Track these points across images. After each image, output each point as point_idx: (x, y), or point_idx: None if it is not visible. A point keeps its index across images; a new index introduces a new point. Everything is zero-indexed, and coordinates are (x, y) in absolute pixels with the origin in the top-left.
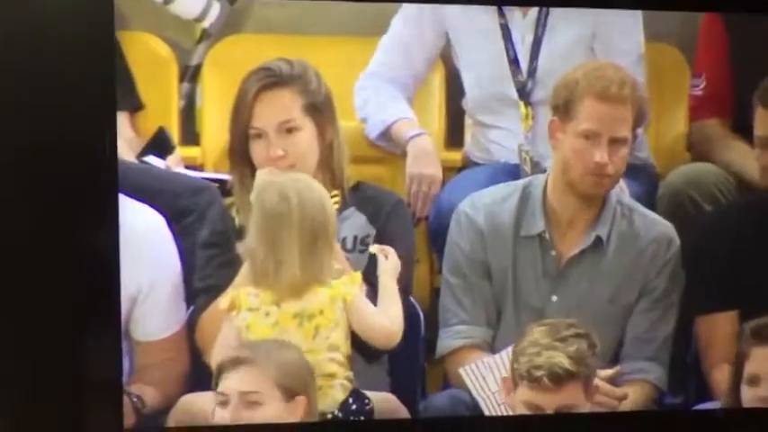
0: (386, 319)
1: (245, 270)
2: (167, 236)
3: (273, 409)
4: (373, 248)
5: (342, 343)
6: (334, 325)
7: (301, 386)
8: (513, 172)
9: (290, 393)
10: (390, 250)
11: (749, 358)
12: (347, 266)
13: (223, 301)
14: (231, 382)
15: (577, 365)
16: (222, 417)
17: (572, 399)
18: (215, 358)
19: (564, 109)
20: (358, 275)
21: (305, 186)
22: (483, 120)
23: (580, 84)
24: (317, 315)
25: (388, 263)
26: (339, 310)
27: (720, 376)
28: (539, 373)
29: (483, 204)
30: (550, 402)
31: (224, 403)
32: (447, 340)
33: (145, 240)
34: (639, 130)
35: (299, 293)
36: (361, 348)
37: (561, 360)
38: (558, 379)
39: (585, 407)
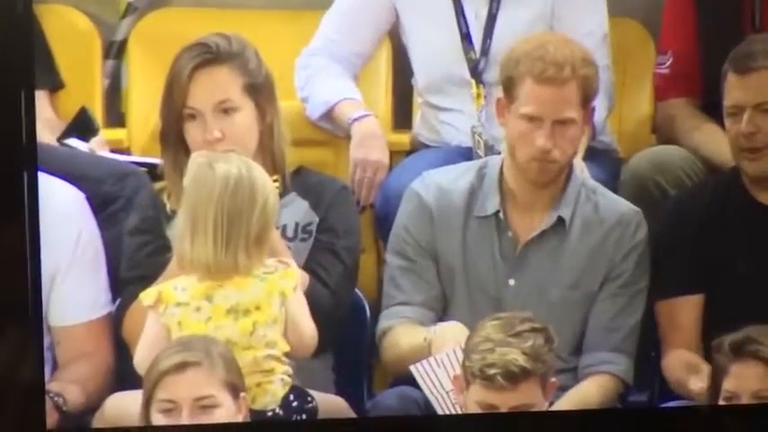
0: (313, 331)
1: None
2: (87, 211)
3: (226, 411)
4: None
5: (279, 338)
6: (272, 321)
7: (241, 380)
8: (465, 155)
9: (235, 390)
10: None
11: (728, 375)
12: (288, 256)
13: (147, 297)
14: (180, 389)
15: (534, 362)
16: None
17: (529, 398)
18: (142, 359)
19: (507, 89)
20: (292, 272)
21: (240, 167)
22: (433, 101)
23: (520, 64)
24: (253, 311)
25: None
26: (277, 305)
27: (674, 362)
28: (492, 371)
29: (434, 183)
30: (505, 402)
31: (169, 411)
32: (381, 322)
33: (62, 216)
34: (601, 109)
35: (220, 280)
36: None
37: (516, 357)
38: (514, 377)
39: (543, 406)
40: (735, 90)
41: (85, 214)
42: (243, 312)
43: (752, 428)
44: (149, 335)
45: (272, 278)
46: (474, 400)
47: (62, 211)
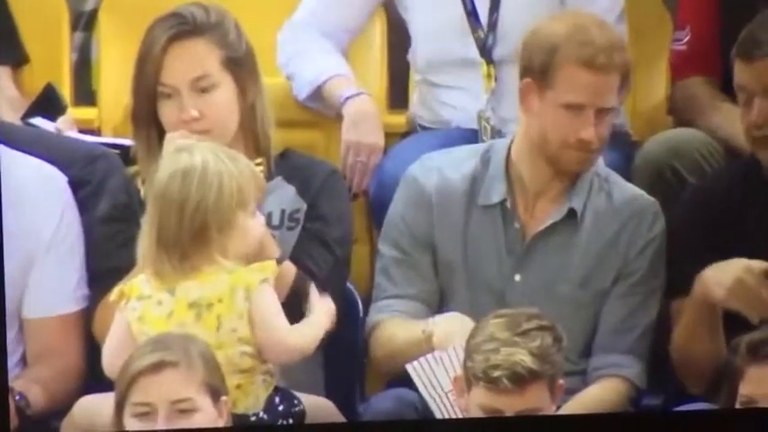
0: (285, 329)
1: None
2: (69, 193)
3: (207, 415)
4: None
5: (252, 335)
6: (238, 316)
7: (222, 382)
8: (467, 138)
9: (216, 393)
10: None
11: (744, 378)
12: (273, 247)
13: (113, 292)
14: (156, 391)
15: (542, 363)
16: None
17: (536, 401)
18: (108, 359)
19: (541, 74)
20: (271, 264)
21: (205, 156)
22: (434, 79)
23: (561, 50)
24: (215, 303)
25: (324, 305)
26: (241, 299)
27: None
28: (497, 373)
29: (434, 168)
30: (511, 406)
31: (144, 415)
32: (371, 316)
33: (45, 195)
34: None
35: (179, 277)
36: None
37: (523, 358)
38: (520, 380)
39: (550, 410)
40: (743, 77)
41: (67, 196)
42: (206, 306)
43: None
44: (115, 333)
45: (240, 271)
46: (477, 404)
47: (45, 190)
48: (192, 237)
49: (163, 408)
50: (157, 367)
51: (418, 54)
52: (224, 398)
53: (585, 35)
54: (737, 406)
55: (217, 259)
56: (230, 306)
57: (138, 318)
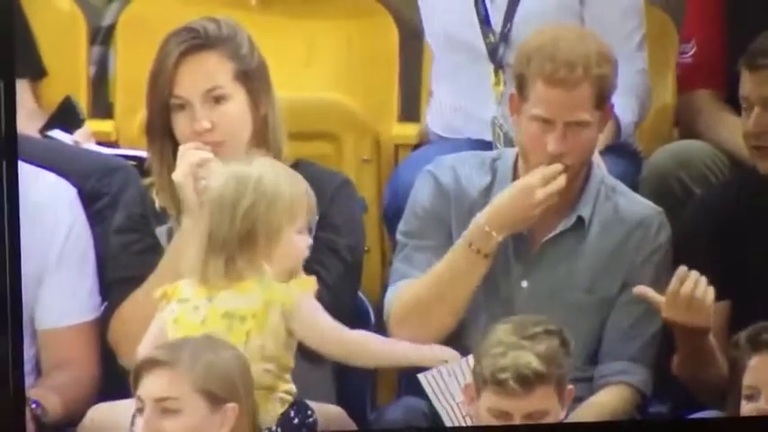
0: (329, 324)
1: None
2: (78, 206)
3: (195, 419)
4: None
5: (281, 354)
6: (270, 333)
7: (231, 392)
8: (479, 149)
9: (216, 400)
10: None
11: (746, 370)
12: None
13: (158, 291)
14: (146, 387)
15: (548, 365)
16: (139, 427)
17: (544, 404)
18: (141, 353)
19: (519, 86)
20: (311, 281)
21: (263, 167)
22: (446, 87)
23: (531, 62)
24: (248, 318)
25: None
26: (276, 316)
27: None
28: (504, 375)
29: (451, 167)
30: (519, 408)
31: (141, 410)
32: (387, 295)
33: (52, 210)
34: (630, 113)
35: (216, 288)
36: (301, 347)
37: (530, 360)
38: (527, 382)
39: (559, 414)
40: (746, 86)
41: (76, 209)
42: (239, 319)
43: None
44: (152, 331)
45: (276, 287)
46: (486, 408)
47: (52, 205)
48: (241, 240)
49: (149, 404)
50: (150, 364)
51: (435, 58)
52: (231, 405)
53: (551, 49)
54: (743, 400)
55: (262, 267)
56: (263, 323)
57: (173, 320)
